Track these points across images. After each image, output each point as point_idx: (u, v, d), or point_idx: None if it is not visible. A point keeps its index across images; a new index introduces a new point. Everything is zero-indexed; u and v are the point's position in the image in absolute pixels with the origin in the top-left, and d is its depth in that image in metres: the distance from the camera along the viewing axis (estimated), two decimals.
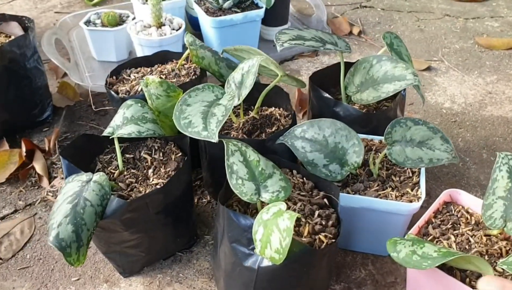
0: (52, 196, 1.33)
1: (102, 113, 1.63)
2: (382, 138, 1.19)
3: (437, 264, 0.82)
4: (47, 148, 1.47)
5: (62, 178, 1.38)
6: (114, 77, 1.35)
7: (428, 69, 1.87)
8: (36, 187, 1.37)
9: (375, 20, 2.23)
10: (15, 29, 1.53)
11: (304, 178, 1.06)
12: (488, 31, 2.14)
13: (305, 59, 1.94)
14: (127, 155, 1.14)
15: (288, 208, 0.98)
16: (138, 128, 1.09)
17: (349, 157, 1.08)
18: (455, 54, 1.97)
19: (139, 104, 1.13)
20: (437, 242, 0.98)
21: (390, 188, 1.09)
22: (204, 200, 1.33)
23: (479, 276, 0.88)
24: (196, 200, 1.32)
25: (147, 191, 1.04)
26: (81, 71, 1.80)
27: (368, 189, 1.09)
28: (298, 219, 0.97)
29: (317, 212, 0.98)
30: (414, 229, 0.98)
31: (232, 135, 1.19)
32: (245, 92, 1.12)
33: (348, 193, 1.08)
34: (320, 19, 2.12)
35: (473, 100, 1.70)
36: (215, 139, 0.99)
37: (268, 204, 0.93)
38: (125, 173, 1.10)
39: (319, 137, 1.09)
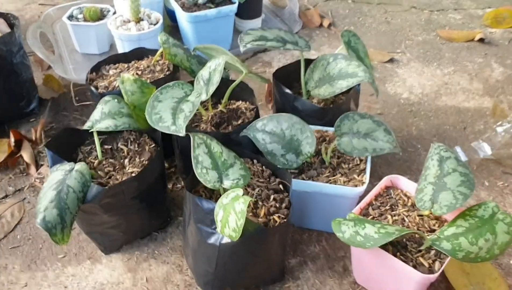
0: (39, 182, 1.46)
1: (84, 104, 1.75)
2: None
3: (379, 245, 0.97)
4: (34, 138, 1.60)
5: (48, 166, 1.51)
6: (94, 73, 1.47)
7: (391, 61, 2.01)
8: (25, 174, 1.50)
9: (345, 12, 2.36)
10: (1, 26, 1.64)
11: (263, 167, 1.20)
12: (451, 23, 2.28)
13: (277, 51, 2.07)
14: (106, 146, 1.26)
15: (247, 193, 1.12)
16: (114, 122, 1.21)
17: (303, 147, 1.22)
18: (417, 46, 2.11)
19: (116, 100, 1.26)
20: (375, 220, 1.12)
21: (340, 174, 1.23)
22: (178, 185, 1.46)
23: (405, 246, 1.04)
24: (171, 186, 1.46)
25: (123, 179, 1.17)
26: (65, 64, 1.91)
27: (321, 175, 1.23)
28: (256, 202, 1.11)
29: (272, 196, 1.12)
30: (356, 209, 1.13)
31: (201, 128, 1.32)
32: (212, 88, 1.25)
33: (303, 179, 1.22)
34: (293, 12, 2.25)
35: (429, 91, 1.85)
36: (182, 133, 1.12)
37: (229, 190, 1.06)
38: (104, 162, 1.23)
39: (277, 130, 1.23)
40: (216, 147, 1.12)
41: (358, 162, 1.26)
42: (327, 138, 1.32)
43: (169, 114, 1.17)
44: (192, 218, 1.08)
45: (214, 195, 1.15)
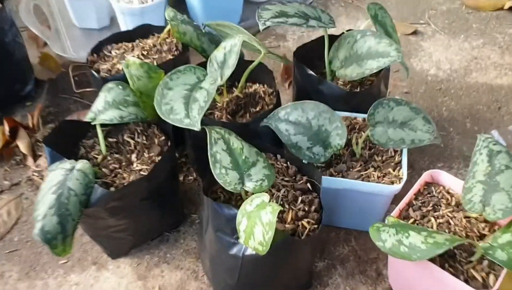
0: (37, 176, 1.33)
1: (85, 85, 1.60)
2: (365, 116, 1.19)
3: (427, 257, 0.84)
4: (30, 125, 1.46)
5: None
6: (95, 54, 1.32)
7: (415, 33, 1.85)
8: (21, 166, 1.37)
9: None
10: None
11: (288, 163, 1.07)
12: None
13: None
14: (110, 139, 1.13)
15: (272, 195, 0.99)
16: (120, 113, 1.08)
17: (332, 139, 1.08)
18: (442, 16, 1.95)
19: (120, 87, 1.12)
20: (417, 225, 1.00)
21: (372, 168, 1.10)
22: (190, 177, 1.33)
23: (453, 256, 0.91)
24: (182, 178, 1.33)
25: (130, 178, 1.04)
26: (62, 40, 1.76)
27: (351, 169, 1.10)
28: (282, 205, 0.98)
29: (300, 198, 0.99)
30: (395, 212, 1.00)
31: (215, 116, 1.18)
32: (228, 72, 1.10)
33: (331, 174, 1.09)
34: None
35: (458, 66, 1.70)
36: (197, 127, 0.98)
37: (252, 194, 0.94)
38: (109, 158, 1.10)
39: (302, 120, 1.09)
40: (235, 142, 0.99)
41: (393, 154, 1.13)
42: (356, 126, 1.19)
43: (181, 104, 1.03)
44: (211, 225, 0.96)
45: (233, 197, 1.02)
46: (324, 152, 1.09)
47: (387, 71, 1.30)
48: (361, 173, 1.09)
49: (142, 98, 1.16)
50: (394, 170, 1.09)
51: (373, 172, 1.09)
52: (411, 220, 1.00)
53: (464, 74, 1.66)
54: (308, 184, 1.03)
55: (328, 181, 1.06)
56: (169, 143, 1.10)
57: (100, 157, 1.10)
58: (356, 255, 1.15)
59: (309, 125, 1.09)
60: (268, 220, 0.84)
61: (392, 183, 1.06)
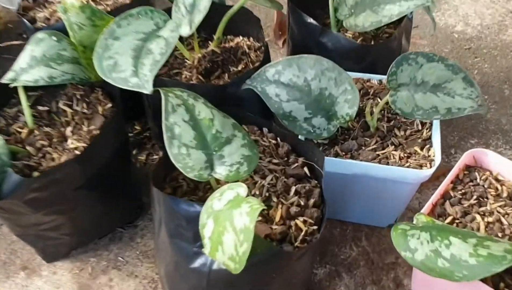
0: None
1: (11, 45, 1.31)
2: (382, 77, 0.91)
3: (479, 277, 0.57)
4: None
5: None
6: (31, 0, 1.02)
7: None
8: None
9: None
10: None
11: (278, 139, 0.79)
12: None
13: None
14: (40, 108, 0.84)
15: (254, 184, 0.71)
16: (50, 71, 0.79)
17: (338, 107, 0.80)
18: None
19: (54, 38, 0.83)
20: (458, 225, 0.72)
21: (393, 146, 0.81)
22: (155, 156, 1.05)
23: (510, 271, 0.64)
24: (144, 157, 1.04)
25: (62, 159, 0.76)
26: None
27: (364, 147, 0.82)
28: (268, 198, 0.70)
29: (293, 188, 0.71)
30: (427, 207, 0.72)
31: (183, 77, 0.90)
32: (198, 17, 0.81)
33: (337, 154, 0.81)
34: None
35: (490, 22, 1.40)
36: (148, 88, 0.70)
37: (226, 182, 0.66)
38: (36, 132, 0.81)
39: (299, 81, 0.80)
40: (203, 111, 0.70)
41: (419, 127, 0.84)
42: (370, 90, 0.90)
43: (129, 59, 0.74)
44: (164, 227, 0.68)
45: (201, 186, 0.74)
46: (328, 125, 0.80)
47: (409, 21, 1.00)
48: (377, 152, 0.80)
49: (86, 54, 0.86)
50: (422, 149, 0.81)
51: (394, 152, 0.80)
52: (449, 219, 0.72)
53: (498, 31, 1.36)
54: (306, 169, 0.75)
55: (332, 164, 0.77)
56: (116, 110, 0.81)
57: (25, 132, 0.81)
58: (368, 259, 0.88)
59: (307, 89, 0.80)
60: (243, 225, 0.56)
61: (421, 166, 0.78)
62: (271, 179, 0.71)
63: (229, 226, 0.58)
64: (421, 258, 0.62)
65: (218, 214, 0.60)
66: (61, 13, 0.84)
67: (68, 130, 0.81)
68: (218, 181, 0.71)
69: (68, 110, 0.84)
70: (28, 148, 0.79)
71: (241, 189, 0.61)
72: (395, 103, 0.78)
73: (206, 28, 0.97)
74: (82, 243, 0.89)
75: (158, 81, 0.86)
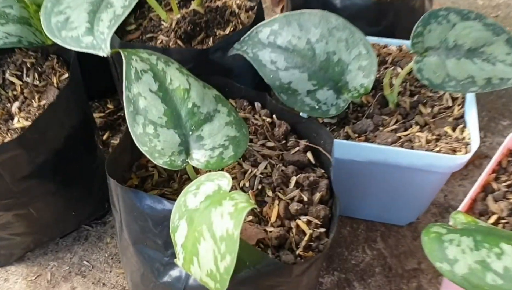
0: None
1: None
2: (403, 42, 0.75)
3: None
4: None
5: None
6: None
7: None
8: None
9: None
10: None
11: (274, 117, 0.62)
12: None
13: None
14: None
15: (243, 174, 0.55)
16: None
17: (350, 77, 0.64)
18: None
19: None
20: (504, 226, 0.56)
21: (418, 126, 0.65)
22: None
23: None
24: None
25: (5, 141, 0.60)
26: None
27: (381, 128, 0.66)
28: (260, 192, 0.54)
29: (294, 179, 0.55)
30: (466, 204, 0.56)
31: (159, 43, 0.73)
32: None
33: (348, 136, 0.65)
34: None
35: None
36: (104, 49, 0.54)
37: (206, 171, 0.50)
38: None
39: (300, 44, 0.64)
40: (177, 78, 0.54)
41: (450, 103, 0.68)
42: (388, 58, 0.73)
43: (83, 13, 0.58)
44: (126, 230, 0.52)
45: (176, 178, 0.58)
46: (337, 100, 0.64)
47: None
48: (398, 134, 0.65)
49: (38, 14, 0.70)
50: (453, 130, 0.65)
51: (419, 133, 0.65)
52: (493, 218, 0.57)
53: None
54: (309, 154, 0.59)
55: (341, 148, 0.62)
56: (72, 80, 0.65)
57: None
58: (385, 264, 0.72)
59: (311, 53, 0.64)
60: (225, 231, 0.40)
61: (454, 151, 0.62)
62: (265, 167, 0.55)
63: (207, 231, 0.42)
64: (464, 271, 0.46)
65: (193, 215, 0.44)
66: None
67: (15, 106, 0.65)
68: (197, 170, 0.55)
69: (17, 81, 0.68)
70: None
71: (224, 180, 0.45)
72: (421, 72, 0.62)
73: None
74: (39, 243, 0.74)
75: (126, 46, 0.70)
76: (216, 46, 0.68)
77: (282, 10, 1.12)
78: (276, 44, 0.64)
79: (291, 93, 0.64)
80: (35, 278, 0.72)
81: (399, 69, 0.71)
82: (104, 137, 0.88)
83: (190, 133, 0.52)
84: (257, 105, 0.63)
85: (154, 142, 0.50)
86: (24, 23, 0.67)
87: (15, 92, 0.67)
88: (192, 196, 0.46)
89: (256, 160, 0.56)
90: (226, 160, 0.51)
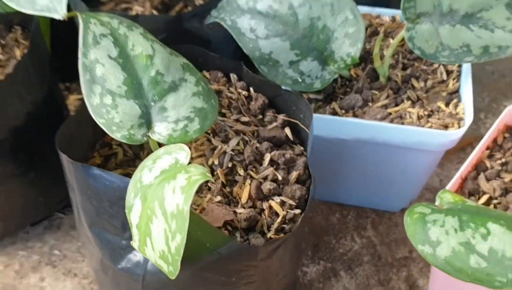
0: None
1: None
2: (396, 12, 0.69)
3: None
4: None
5: None
6: None
7: None
8: None
9: None
10: None
11: (251, 90, 0.57)
12: None
13: None
14: None
15: (212, 150, 0.50)
16: None
17: (336, 45, 0.58)
18: None
19: None
20: (496, 206, 0.51)
21: (409, 102, 0.60)
22: None
23: None
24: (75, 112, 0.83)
25: None
26: None
27: (370, 104, 0.61)
28: (232, 169, 0.49)
29: (268, 156, 0.50)
30: (455, 182, 0.51)
31: (133, 12, 0.68)
32: None
33: (335, 113, 0.60)
34: None
35: None
36: (60, 12, 0.48)
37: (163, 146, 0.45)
38: None
39: (281, 9, 0.59)
40: (139, 44, 0.49)
41: (444, 76, 0.63)
42: (379, 28, 0.68)
43: None
44: (81, 211, 0.47)
45: (142, 156, 0.53)
46: (322, 71, 0.59)
47: None
48: (389, 110, 0.59)
49: None
50: (447, 105, 0.59)
51: (410, 109, 0.59)
52: (484, 198, 0.52)
53: None
54: (287, 130, 0.53)
55: (325, 125, 0.57)
56: (34, 50, 0.60)
57: None
58: (374, 253, 0.67)
59: (293, 19, 0.59)
60: (176, 207, 0.35)
61: (446, 127, 0.57)
62: (237, 144, 0.50)
63: (158, 208, 0.37)
64: (446, 254, 0.42)
65: (147, 191, 0.39)
66: None
67: None
68: (162, 146, 0.50)
69: None
70: None
71: (182, 153, 0.40)
72: (413, 40, 0.57)
73: None
74: (7, 232, 0.69)
75: (93, 12, 0.65)
76: (190, 13, 0.62)
77: None
78: (256, 10, 0.59)
79: (272, 64, 0.58)
80: (3, 268, 0.67)
81: (391, 40, 0.66)
82: None
83: (152, 104, 0.47)
84: (233, 77, 0.58)
85: (112, 113, 0.45)
86: None
87: None
88: (147, 171, 0.41)
89: (228, 135, 0.51)
90: (191, 133, 0.46)
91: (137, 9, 0.69)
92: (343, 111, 0.60)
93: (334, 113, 0.60)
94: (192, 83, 0.49)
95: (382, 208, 0.70)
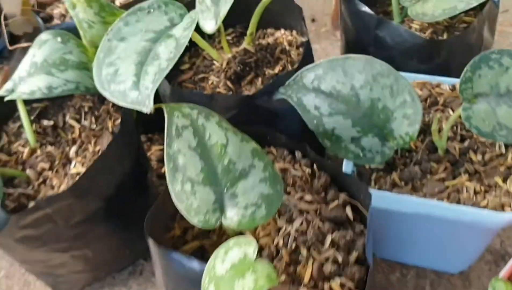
0: None
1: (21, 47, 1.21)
2: (456, 81, 0.72)
3: None
4: None
5: None
6: None
7: None
8: None
9: None
10: None
11: (315, 167, 0.62)
12: None
13: None
14: (46, 122, 0.74)
15: (277, 231, 0.56)
16: (50, 80, 0.67)
17: (395, 125, 0.62)
18: None
19: (59, 39, 0.71)
20: None
21: (467, 175, 0.63)
22: None
23: None
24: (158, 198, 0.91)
25: (61, 188, 0.64)
26: None
27: (429, 176, 0.64)
28: (295, 250, 0.55)
29: (330, 237, 0.55)
30: (508, 269, 0.53)
31: (210, 84, 0.75)
32: (224, 9, 0.68)
33: (395, 184, 0.63)
34: None
35: None
36: (148, 106, 0.56)
37: (236, 234, 0.51)
38: (39, 151, 0.71)
39: (344, 90, 0.63)
40: (215, 133, 0.55)
41: (503, 150, 0.65)
42: (440, 99, 0.71)
43: (131, 65, 0.61)
44: (162, 282, 0.54)
45: (216, 229, 0.60)
46: (382, 147, 0.63)
47: (495, 5, 0.80)
48: (446, 183, 0.62)
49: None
50: (504, 181, 0.61)
51: (468, 182, 0.62)
52: None
53: None
54: (348, 209, 0.58)
55: (385, 199, 0.61)
56: (126, 126, 0.68)
57: (26, 151, 0.71)
58: None
59: (355, 99, 0.63)
60: None
61: (502, 206, 0.59)
62: (301, 224, 0.56)
63: None
64: None
65: (220, 282, 0.45)
66: (70, 10, 0.73)
67: (73, 151, 0.69)
68: (232, 234, 0.56)
69: (76, 125, 0.72)
70: (28, 171, 0.68)
71: (250, 248, 0.46)
72: (469, 120, 0.60)
73: (244, 20, 0.81)
74: (97, 278, 0.78)
75: (176, 91, 0.72)
76: (261, 91, 0.68)
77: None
78: (320, 89, 0.64)
79: (335, 139, 0.63)
80: None
81: (451, 111, 0.69)
82: (163, 170, 0.91)
83: (225, 190, 0.53)
84: (298, 154, 0.63)
85: (191, 199, 0.52)
86: (82, 68, 0.71)
87: (74, 135, 0.71)
88: (220, 262, 0.47)
89: (292, 215, 0.56)
90: (258, 220, 0.51)
91: (213, 79, 0.75)
92: (403, 183, 0.64)
93: (394, 184, 0.64)
94: (260, 169, 0.54)
95: (441, 269, 0.72)
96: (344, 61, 0.64)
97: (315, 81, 0.64)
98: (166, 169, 0.53)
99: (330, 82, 0.64)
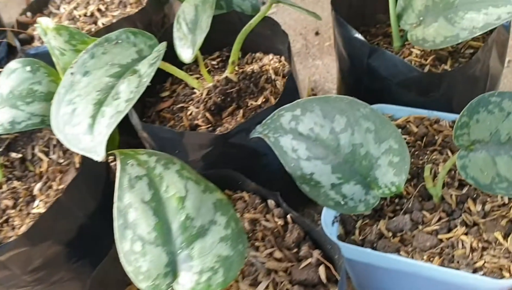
0: None
1: None
2: (456, 116, 0.64)
3: None
4: None
5: None
6: (30, 13, 0.88)
7: None
8: None
9: None
10: None
11: (288, 217, 0.56)
12: None
13: None
14: (14, 155, 0.69)
15: None
16: (13, 114, 0.64)
17: (380, 173, 0.55)
18: None
19: (28, 68, 0.68)
20: None
21: (464, 227, 0.56)
22: None
23: None
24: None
25: (21, 229, 0.60)
26: None
27: (420, 226, 0.57)
28: None
29: None
30: None
31: (188, 114, 0.70)
32: (201, 37, 0.63)
33: (381, 235, 0.57)
34: None
35: None
36: (99, 154, 0.51)
37: None
38: (5, 187, 0.67)
39: (323, 133, 0.57)
40: (173, 185, 0.50)
41: (506, 200, 0.58)
42: (438, 137, 0.64)
43: (89, 105, 0.56)
44: None
45: None
46: (366, 195, 0.56)
47: (505, 30, 0.72)
48: (440, 236, 0.56)
49: None
50: (505, 237, 0.54)
51: (464, 237, 0.55)
52: None
53: None
54: (322, 269, 0.52)
55: (366, 255, 0.54)
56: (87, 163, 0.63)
57: None
58: None
59: (335, 144, 0.57)
60: None
61: (500, 269, 0.52)
62: (266, 288, 0.50)
63: None
64: None
65: None
66: (42, 36, 0.69)
67: (37, 188, 0.65)
68: None
69: (45, 158, 0.68)
70: None
71: None
72: (465, 169, 0.53)
73: (231, 43, 0.75)
74: None
75: (145, 126, 0.67)
76: (237, 128, 0.62)
77: None
78: (297, 131, 0.58)
79: (314, 185, 0.57)
80: None
81: (449, 152, 0.62)
82: None
83: (179, 251, 0.48)
84: (270, 203, 0.57)
85: (140, 261, 0.47)
86: (50, 100, 0.66)
87: (41, 169, 0.67)
88: None
89: (257, 277, 0.51)
90: (214, 287, 0.46)
91: (192, 109, 0.70)
92: (390, 234, 0.57)
93: (381, 235, 0.57)
94: (221, 226, 0.49)
95: None
96: (325, 101, 0.57)
97: (292, 122, 0.58)
98: (115, 225, 0.48)
99: (308, 124, 0.58)
